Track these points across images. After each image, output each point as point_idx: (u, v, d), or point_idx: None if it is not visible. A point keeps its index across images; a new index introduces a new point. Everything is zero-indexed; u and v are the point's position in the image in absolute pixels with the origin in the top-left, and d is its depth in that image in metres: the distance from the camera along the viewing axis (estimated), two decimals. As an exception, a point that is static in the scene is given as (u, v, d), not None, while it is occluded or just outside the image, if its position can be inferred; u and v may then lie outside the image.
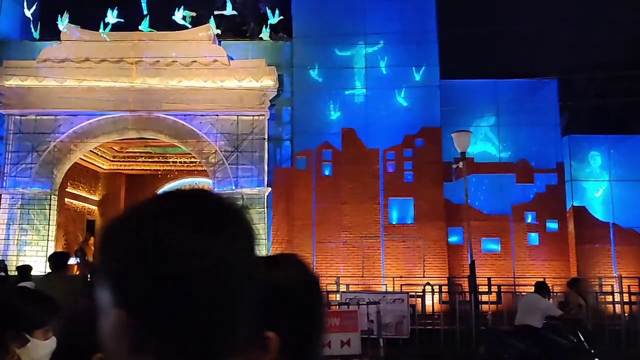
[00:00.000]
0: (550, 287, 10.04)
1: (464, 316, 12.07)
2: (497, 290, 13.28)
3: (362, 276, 14.17)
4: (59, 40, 15.73)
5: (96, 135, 15.54)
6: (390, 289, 13.41)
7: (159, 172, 19.00)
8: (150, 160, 19.00)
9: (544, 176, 15.34)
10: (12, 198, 14.94)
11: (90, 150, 16.71)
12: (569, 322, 8.85)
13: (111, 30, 15.73)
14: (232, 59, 15.46)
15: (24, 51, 15.90)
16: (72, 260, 11.29)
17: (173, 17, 16.03)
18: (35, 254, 14.32)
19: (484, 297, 12.82)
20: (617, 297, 13.16)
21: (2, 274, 12.27)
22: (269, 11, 16.42)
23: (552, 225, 15.18)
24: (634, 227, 15.48)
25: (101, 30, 15.64)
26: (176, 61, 15.16)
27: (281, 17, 16.30)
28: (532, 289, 9.39)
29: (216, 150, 15.14)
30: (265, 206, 14.95)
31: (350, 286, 13.28)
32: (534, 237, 15.15)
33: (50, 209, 15.03)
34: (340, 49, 15.38)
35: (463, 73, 17.00)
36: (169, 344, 0.67)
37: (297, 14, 15.59)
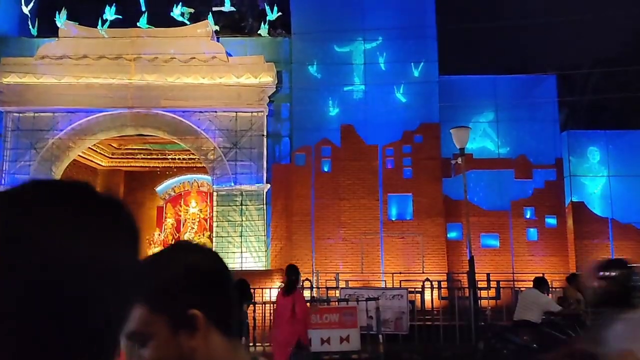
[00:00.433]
0: (549, 283, 10.06)
1: (463, 312, 12.11)
2: (496, 285, 13.31)
3: (362, 272, 14.18)
4: (57, 37, 15.69)
5: (94, 132, 15.52)
6: (389, 285, 13.43)
7: (158, 169, 18.98)
8: (149, 157, 18.96)
9: (542, 172, 15.35)
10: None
11: (89, 147, 16.68)
12: (568, 317, 8.88)
13: (109, 26, 15.67)
14: (230, 55, 15.44)
15: (21, 48, 15.86)
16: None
17: (171, 14, 15.98)
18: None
19: (483, 293, 12.85)
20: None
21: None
22: (267, 7, 16.38)
23: (551, 220, 15.20)
24: (632, 222, 15.51)
25: (99, 26, 15.59)
26: (174, 58, 15.13)
27: (280, 14, 16.26)
28: (531, 284, 9.40)
29: (215, 147, 15.12)
30: (264, 203, 14.95)
31: (349, 282, 13.30)
32: (532, 232, 15.17)
33: (49, 206, 15.00)
34: (338, 45, 15.36)
35: (462, 69, 17.03)
36: (28, 349, 0.62)
37: (296, 10, 15.56)
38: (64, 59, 15.14)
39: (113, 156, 19.04)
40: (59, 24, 15.81)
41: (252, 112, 15.24)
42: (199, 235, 18.42)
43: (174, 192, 19.24)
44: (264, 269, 14.38)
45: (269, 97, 15.34)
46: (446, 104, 14.75)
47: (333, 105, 15.18)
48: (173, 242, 1.10)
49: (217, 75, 15.03)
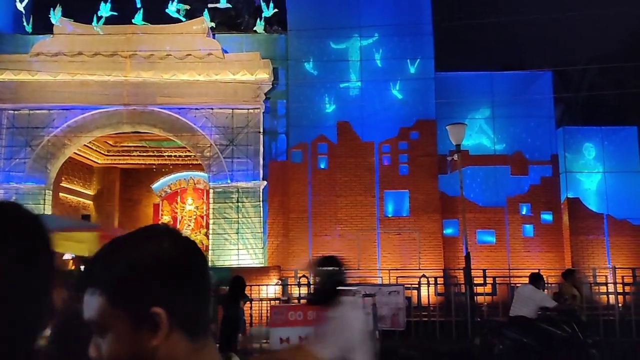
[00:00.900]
0: (545, 279, 10.10)
1: (460, 308, 12.15)
2: (492, 281, 13.34)
3: (358, 269, 14.19)
4: (52, 33, 15.62)
5: (90, 129, 15.47)
6: (386, 282, 13.44)
7: (154, 166, 18.95)
8: (145, 154, 18.92)
9: (538, 168, 15.39)
10: (6, 193, 14.87)
11: (85, 145, 16.63)
12: (564, 312, 8.92)
13: (104, 23, 15.61)
14: (226, 52, 15.40)
15: (16, 45, 15.77)
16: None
17: (167, 10, 15.93)
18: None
19: (479, 289, 12.88)
20: (610, 288, 13.25)
21: None
22: (263, 4, 16.34)
23: (547, 216, 15.24)
24: (627, 218, 15.56)
25: (94, 23, 15.52)
26: (170, 54, 15.09)
27: (276, 10, 16.23)
28: (527, 280, 9.44)
29: (211, 144, 15.10)
30: (261, 200, 14.95)
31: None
32: (528, 228, 15.21)
33: (44, 204, 14.97)
34: (335, 41, 15.34)
35: (458, 65, 17.04)
36: None
37: (292, 6, 15.53)
38: (59, 55, 15.08)
39: (109, 153, 19.00)
40: (53, 21, 15.74)
41: (248, 109, 15.22)
42: (196, 233, 18.42)
43: (170, 189, 19.21)
44: (260, 265, 14.39)
45: (265, 94, 15.32)
46: (442, 100, 14.77)
47: (329, 102, 15.18)
48: (142, 226, 1.04)
49: (213, 72, 15.00)
